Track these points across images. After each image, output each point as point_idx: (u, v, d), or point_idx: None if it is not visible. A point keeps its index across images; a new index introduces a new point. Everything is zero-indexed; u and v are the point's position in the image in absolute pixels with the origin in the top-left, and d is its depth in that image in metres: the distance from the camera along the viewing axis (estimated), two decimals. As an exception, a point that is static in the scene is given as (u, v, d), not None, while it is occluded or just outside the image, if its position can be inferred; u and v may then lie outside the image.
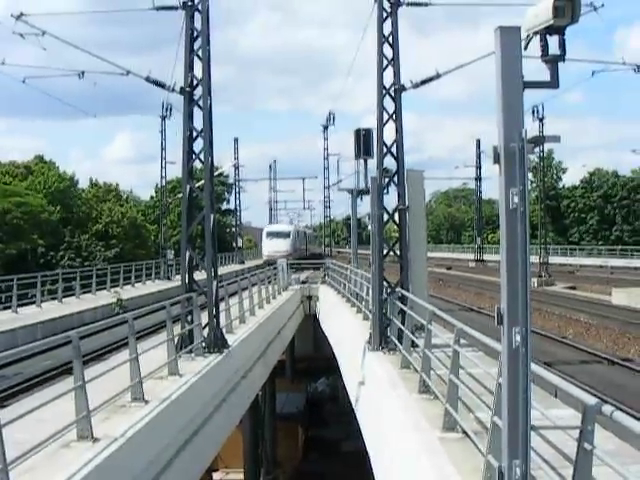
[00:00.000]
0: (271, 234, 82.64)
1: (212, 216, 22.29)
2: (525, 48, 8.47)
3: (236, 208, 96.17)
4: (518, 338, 7.41)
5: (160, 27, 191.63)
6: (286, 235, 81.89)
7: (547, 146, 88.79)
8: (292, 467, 47.05)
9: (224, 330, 23.10)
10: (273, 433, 46.91)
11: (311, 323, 47.39)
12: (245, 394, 25.09)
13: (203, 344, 21.33)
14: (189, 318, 21.72)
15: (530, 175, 72.52)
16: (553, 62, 8.82)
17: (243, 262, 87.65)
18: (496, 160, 7.50)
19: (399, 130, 22.77)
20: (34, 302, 35.32)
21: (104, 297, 40.24)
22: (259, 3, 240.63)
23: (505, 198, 7.41)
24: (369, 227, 25.80)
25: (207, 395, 18.88)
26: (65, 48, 24.12)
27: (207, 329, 21.77)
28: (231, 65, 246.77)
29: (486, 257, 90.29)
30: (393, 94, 22.67)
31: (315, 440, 50.02)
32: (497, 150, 7.49)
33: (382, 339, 21.24)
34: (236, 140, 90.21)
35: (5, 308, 34.86)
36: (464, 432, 11.46)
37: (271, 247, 79.33)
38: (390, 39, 22.55)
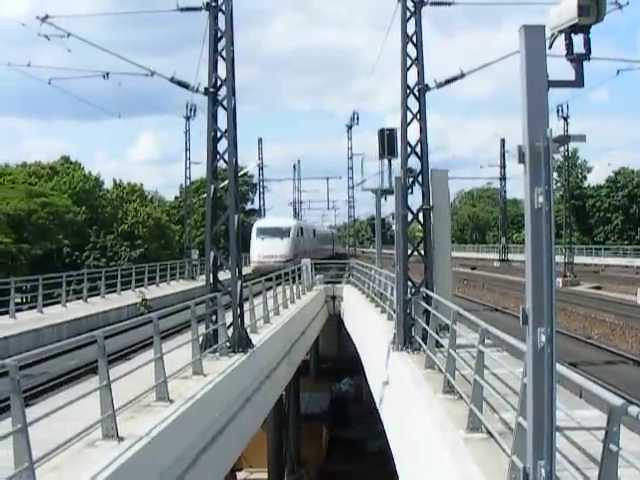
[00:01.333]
0: (263, 231, 60.66)
1: (236, 216, 22.33)
2: (550, 47, 8.45)
3: (260, 208, 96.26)
4: (543, 338, 7.38)
5: (183, 28, 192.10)
6: (284, 233, 60.39)
7: (572, 145, 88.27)
8: (316, 467, 47.06)
9: (248, 330, 23.14)
10: (297, 433, 46.97)
11: (335, 323, 47.32)
12: (269, 394, 25.12)
13: (227, 344, 21.37)
14: (213, 318, 21.77)
15: (555, 174, 72.20)
16: (578, 61, 8.79)
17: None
18: (521, 160, 7.47)
19: (423, 130, 22.74)
20: (59, 302, 35.51)
21: (129, 297, 40.42)
22: (282, 4, 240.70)
23: (530, 198, 7.38)
24: (393, 227, 25.78)
25: (231, 395, 18.91)
26: (90, 49, 24.22)
27: (231, 329, 21.81)
28: (255, 65, 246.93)
29: (511, 257, 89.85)
30: (417, 94, 22.65)
31: (339, 440, 49.98)
32: (522, 150, 7.47)
33: (406, 339, 21.22)
34: (260, 140, 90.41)
35: (31, 308, 35.08)
36: (489, 432, 11.43)
37: (262, 250, 58.31)
38: (414, 38, 22.52)
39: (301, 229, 66.40)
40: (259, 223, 66.17)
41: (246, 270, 56.14)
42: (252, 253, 59.47)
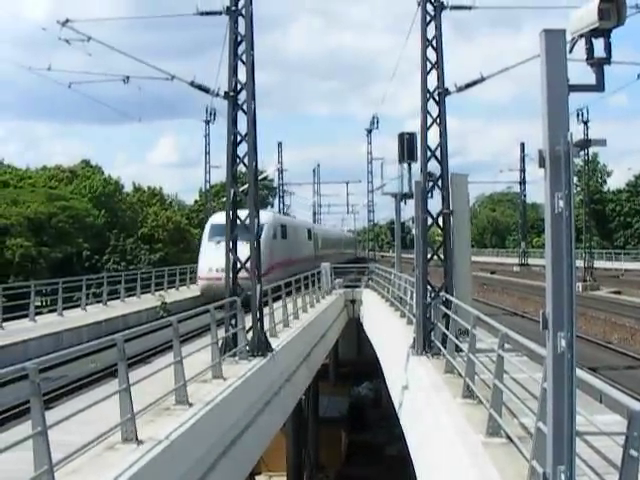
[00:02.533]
0: (219, 231, 34.29)
1: (256, 220, 22.38)
2: (570, 51, 8.42)
3: (280, 211, 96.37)
4: (563, 343, 7.35)
5: (203, 32, 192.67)
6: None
7: (592, 149, 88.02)
8: (335, 471, 47.02)
9: (268, 334, 23.14)
10: (316, 437, 46.93)
11: (354, 327, 47.21)
12: (288, 398, 25.11)
13: (247, 347, 21.39)
14: (233, 322, 21.80)
15: (575, 179, 71.82)
16: (598, 65, 8.76)
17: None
18: (541, 164, 7.46)
19: (443, 134, 22.69)
20: (79, 305, 35.68)
21: (148, 300, 40.47)
22: (301, 8, 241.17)
23: (550, 202, 7.36)
24: (413, 231, 25.72)
25: (251, 398, 18.92)
26: (110, 53, 24.29)
27: (251, 333, 21.83)
28: (274, 69, 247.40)
29: (530, 261, 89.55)
30: (437, 98, 22.61)
31: (358, 444, 49.91)
32: (542, 154, 7.45)
33: (426, 343, 21.17)
34: (280, 144, 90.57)
35: (51, 311, 35.22)
36: (508, 437, 11.39)
37: (214, 261, 35.28)
38: (434, 42, 22.49)
39: (283, 227, 48.09)
40: (214, 218, 43.67)
41: (189, 292, 45.69)
42: (200, 265, 40.69)
